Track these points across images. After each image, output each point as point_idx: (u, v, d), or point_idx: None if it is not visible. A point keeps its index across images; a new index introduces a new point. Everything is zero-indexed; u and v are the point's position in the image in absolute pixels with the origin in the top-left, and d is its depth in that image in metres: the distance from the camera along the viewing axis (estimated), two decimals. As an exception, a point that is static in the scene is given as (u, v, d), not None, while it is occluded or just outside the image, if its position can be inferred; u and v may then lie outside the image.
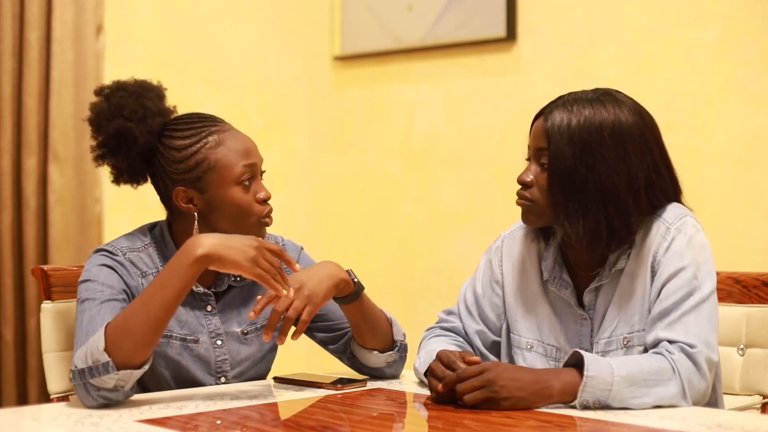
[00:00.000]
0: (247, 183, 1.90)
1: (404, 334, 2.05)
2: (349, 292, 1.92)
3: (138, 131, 1.88)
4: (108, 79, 3.31)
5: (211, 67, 3.76)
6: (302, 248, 2.12)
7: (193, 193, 1.89)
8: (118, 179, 1.95)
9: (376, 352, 2.00)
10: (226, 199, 1.89)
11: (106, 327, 1.71)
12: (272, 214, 1.95)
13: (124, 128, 1.88)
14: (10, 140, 3.16)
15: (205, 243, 1.73)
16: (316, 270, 1.89)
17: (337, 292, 1.90)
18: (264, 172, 1.97)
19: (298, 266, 1.82)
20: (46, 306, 2.02)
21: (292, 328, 1.86)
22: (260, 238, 1.78)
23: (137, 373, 1.72)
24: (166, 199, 1.94)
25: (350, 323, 2.00)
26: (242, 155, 1.90)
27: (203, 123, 1.93)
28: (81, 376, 1.69)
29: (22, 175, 3.17)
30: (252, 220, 1.90)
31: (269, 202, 1.94)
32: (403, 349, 2.04)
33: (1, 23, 3.14)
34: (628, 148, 1.79)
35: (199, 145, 1.90)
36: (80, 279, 1.87)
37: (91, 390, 1.69)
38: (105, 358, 1.68)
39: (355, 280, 1.93)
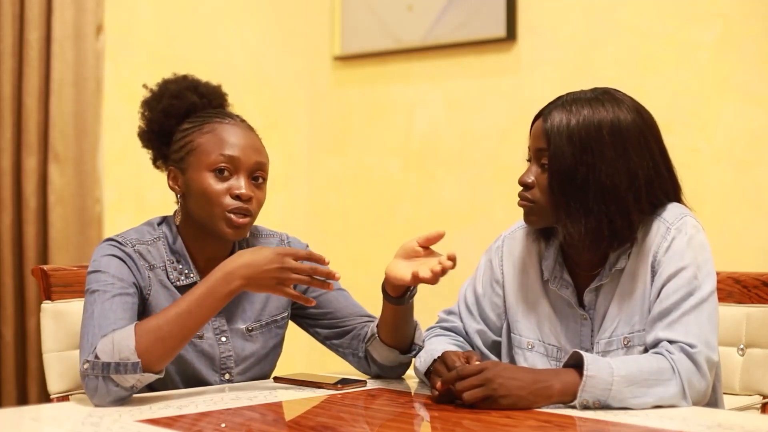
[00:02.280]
0: (223, 173, 1.90)
1: (423, 340, 2.03)
2: (402, 295, 1.89)
3: (154, 107, 1.99)
4: (108, 79, 3.35)
5: (211, 67, 3.74)
6: (307, 246, 2.13)
7: (178, 173, 1.95)
8: (154, 161, 2.04)
9: (396, 351, 1.99)
10: (197, 182, 1.90)
11: (136, 327, 1.73)
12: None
13: (144, 100, 2.01)
14: (10, 140, 3.15)
15: (240, 274, 1.78)
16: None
17: (392, 288, 1.88)
18: (261, 177, 1.95)
19: (334, 275, 1.82)
20: (46, 306, 2.02)
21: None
22: (282, 250, 1.80)
23: (154, 378, 1.74)
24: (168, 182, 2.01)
25: (386, 321, 1.95)
26: (224, 145, 1.91)
27: (216, 114, 1.98)
28: (104, 368, 1.70)
29: (22, 175, 3.17)
30: (216, 210, 1.88)
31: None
32: (418, 352, 2.03)
33: (1, 23, 3.13)
34: (627, 146, 1.80)
35: (194, 130, 1.95)
36: (89, 269, 1.87)
37: (108, 384, 1.70)
38: (135, 358, 1.70)
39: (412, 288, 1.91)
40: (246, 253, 1.80)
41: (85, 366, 1.72)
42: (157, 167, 2.04)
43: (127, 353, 1.70)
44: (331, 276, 1.81)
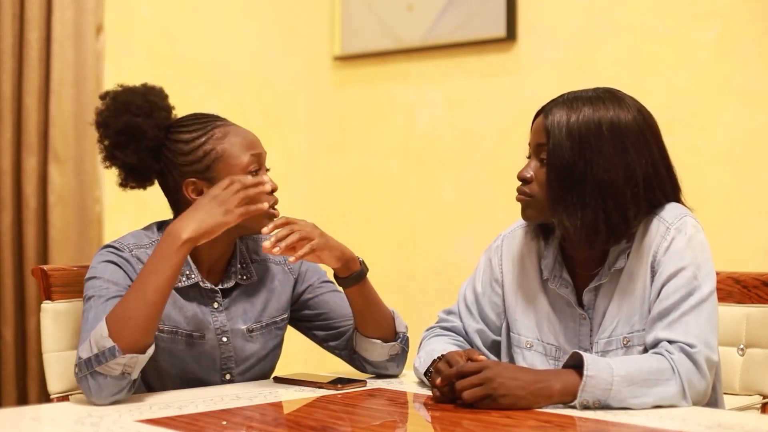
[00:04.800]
0: (254, 173, 1.93)
1: (406, 326, 2.06)
2: (355, 271, 1.95)
3: (146, 125, 1.93)
4: (108, 79, 3.35)
5: (211, 67, 3.75)
6: None
7: (203, 184, 1.93)
8: (126, 181, 1.98)
9: (379, 341, 2.00)
10: None
11: (106, 317, 1.75)
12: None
13: (132, 123, 1.92)
14: (10, 140, 3.15)
15: (186, 226, 1.81)
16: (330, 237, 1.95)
17: (343, 264, 1.93)
18: (269, 169, 2.00)
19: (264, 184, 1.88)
20: (46, 306, 2.02)
21: None
22: (214, 188, 1.85)
23: (142, 359, 1.74)
24: (175, 194, 1.96)
25: (353, 309, 2.00)
26: (248, 146, 1.95)
27: (207, 119, 1.99)
28: (87, 365, 1.71)
29: (22, 175, 3.17)
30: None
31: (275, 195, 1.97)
32: (406, 342, 2.05)
33: (1, 23, 3.13)
34: (626, 144, 1.80)
35: (206, 137, 1.94)
36: (86, 276, 1.89)
37: (98, 379, 1.71)
38: (110, 343, 1.71)
39: (361, 260, 1.97)
40: (186, 212, 1.85)
41: (75, 370, 1.74)
42: (124, 186, 1.98)
43: (102, 342, 1.71)
44: (261, 184, 1.86)
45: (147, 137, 1.93)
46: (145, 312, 1.75)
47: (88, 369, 1.71)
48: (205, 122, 1.97)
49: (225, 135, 1.94)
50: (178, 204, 1.97)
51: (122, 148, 1.93)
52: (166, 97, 2.00)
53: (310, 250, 1.86)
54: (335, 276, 1.98)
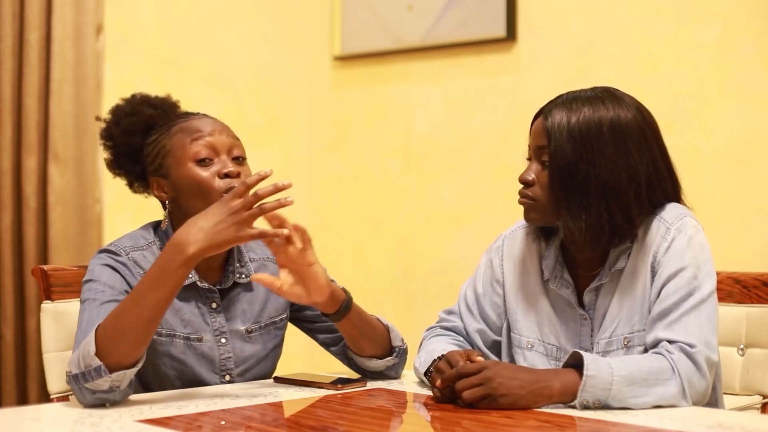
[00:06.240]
0: (205, 161, 1.90)
1: (402, 339, 2.04)
2: (342, 302, 1.90)
3: (115, 131, 2.00)
4: (108, 79, 3.36)
5: (211, 67, 3.75)
6: None
7: (161, 181, 1.95)
8: (131, 185, 2.05)
9: (374, 359, 2.00)
10: (185, 178, 1.90)
11: (96, 329, 1.70)
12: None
13: (106, 128, 2.02)
14: (10, 140, 3.15)
15: (194, 239, 1.69)
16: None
17: (329, 296, 1.86)
18: (241, 157, 1.94)
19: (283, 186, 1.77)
20: (46, 306, 2.02)
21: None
22: (225, 197, 1.72)
23: (131, 373, 1.71)
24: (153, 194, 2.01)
25: (345, 336, 1.98)
26: (197, 135, 1.93)
27: (178, 117, 2.00)
28: (75, 380, 1.69)
29: (22, 175, 3.17)
30: (213, 196, 1.87)
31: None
32: (403, 353, 2.03)
33: (1, 23, 3.13)
34: (627, 143, 1.80)
35: (163, 135, 1.96)
36: (83, 279, 1.87)
37: (86, 393, 1.69)
38: (96, 362, 1.67)
39: (342, 287, 1.93)
40: (194, 219, 1.71)
41: (66, 380, 1.73)
42: (135, 191, 2.05)
43: (89, 360, 1.67)
44: (278, 189, 1.75)
45: (117, 143, 2.00)
46: (140, 328, 1.69)
47: (76, 384, 1.69)
48: (171, 120, 1.98)
49: (179, 130, 1.95)
50: (162, 203, 2.00)
51: (105, 149, 2.04)
52: (142, 102, 2.02)
53: (308, 240, 1.83)
54: (323, 314, 1.93)
